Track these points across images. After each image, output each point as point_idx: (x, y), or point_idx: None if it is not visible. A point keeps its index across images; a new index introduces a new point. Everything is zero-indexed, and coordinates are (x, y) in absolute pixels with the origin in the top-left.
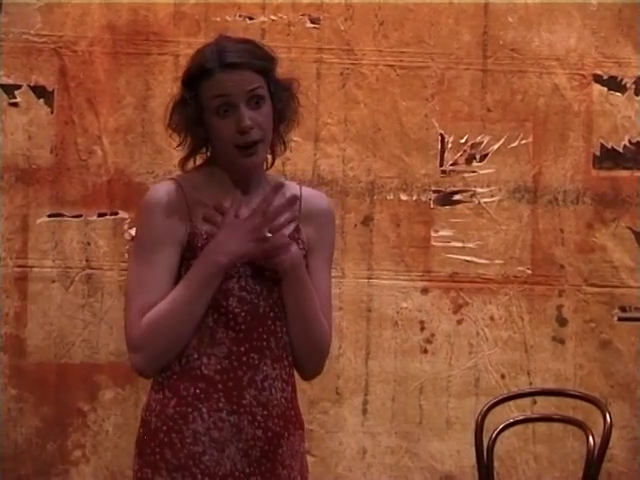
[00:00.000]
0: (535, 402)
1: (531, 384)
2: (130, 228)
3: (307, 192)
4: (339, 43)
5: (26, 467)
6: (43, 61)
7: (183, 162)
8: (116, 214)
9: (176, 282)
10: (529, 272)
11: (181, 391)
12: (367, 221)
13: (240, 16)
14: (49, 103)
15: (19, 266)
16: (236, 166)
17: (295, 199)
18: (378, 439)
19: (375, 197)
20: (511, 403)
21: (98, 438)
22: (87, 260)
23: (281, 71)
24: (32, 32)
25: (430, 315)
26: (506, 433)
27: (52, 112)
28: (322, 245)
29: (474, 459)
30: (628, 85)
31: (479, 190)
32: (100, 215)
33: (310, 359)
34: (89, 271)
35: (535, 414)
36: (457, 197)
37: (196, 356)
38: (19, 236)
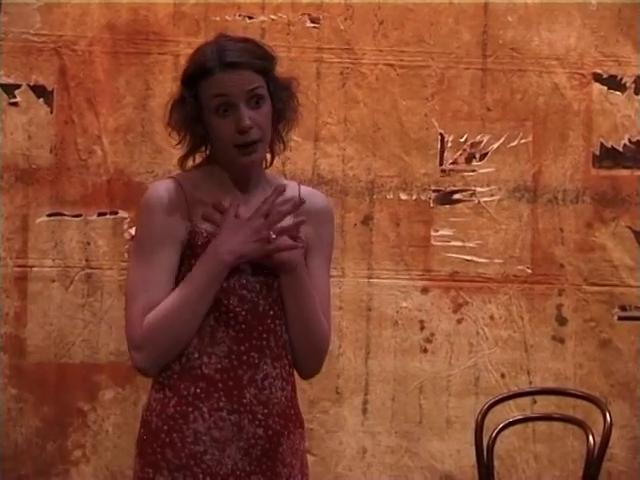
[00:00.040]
0: (535, 401)
1: (531, 383)
2: (130, 228)
3: (305, 191)
4: (339, 42)
5: (26, 467)
6: (43, 61)
7: (182, 160)
8: (116, 214)
9: (176, 281)
10: (529, 271)
11: (181, 390)
12: (367, 220)
13: (240, 16)
14: (49, 103)
15: (19, 266)
16: (235, 165)
17: (301, 202)
18: (378, 438)
19: (375, 196)
20: (511, 402)
21: (98, 438)
22: (87, 260)
23: (281, 71)
24: (32, 32)
25: (430, 314)
26: (506, 432)
27: (52, 112)
28: (321, 244)
29: (474, 458)
30: (628, 84)
31: (479, 189)
32: (100, 215)
33: (309, 358)
34: (89, 271)
35: (535, 413)
36: (457, 196)
37: (196, 355)
38: (19, 236)
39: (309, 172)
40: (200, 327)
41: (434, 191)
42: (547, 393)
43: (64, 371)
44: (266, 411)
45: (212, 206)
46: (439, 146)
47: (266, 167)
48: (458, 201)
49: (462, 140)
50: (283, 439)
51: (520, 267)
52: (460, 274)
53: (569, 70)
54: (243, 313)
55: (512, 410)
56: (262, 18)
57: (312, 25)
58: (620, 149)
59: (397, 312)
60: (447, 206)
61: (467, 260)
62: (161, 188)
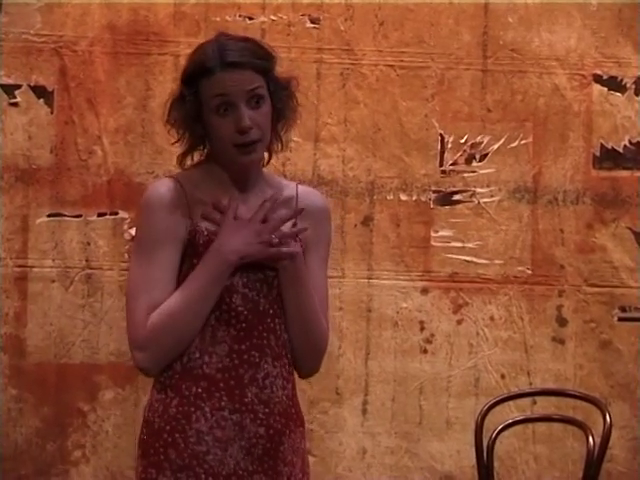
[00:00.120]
0: (535, 402)
1: (531, 384)
2: (130, 228)
3: (303, 190)
4: (339, 43)
5: (26, 467)
6: (43, 61)
7: (181, 158)
8: (116, 214)
9: (177, 280)
10: (529, 272)
11: (183, 391)
12: (367, 221)
13: (240, 16)
14: (49, 103)
15: (19, 266)
16: (234, 164)
17: (300, 210)
18: (378, 439)
19: (375, 197)
20: (511, 403)
21: (98, 438)
22: (87, 260)
23: (281, 71)
24: (32, 32)
25: (430, 315)
26: (506, 433)
27: (52, 112)
28: (319, 243)
29: (474, 459)
30: (628, 85)
31: (479, 190)
32: (100, 215)
33: (308, 357)
34: (89, 271)
35: (535, 414)
36: (457, 197)
37: (198, 355)
38: (19, 236)
39: (309, 173)
40: (202, 326)
41: (434, 192)
42: (547, 394)
43: (64, 371)
44: (267, 410)
45: (212, 205)
46: (439, 147)
47: (263, 165)
48: (458, 202)
49: (462, 141)
50: (284, 438)
51: (520, 268)
52: (460, 275)
53: (569, 71)
54: (245, 312)
55: (512, 411)
56: (262, 18)
57: (312, 26)
58: (620, 150)
59: (397, 313)
60: (447, 207)
61: (467, 261)
62: (162, 187)
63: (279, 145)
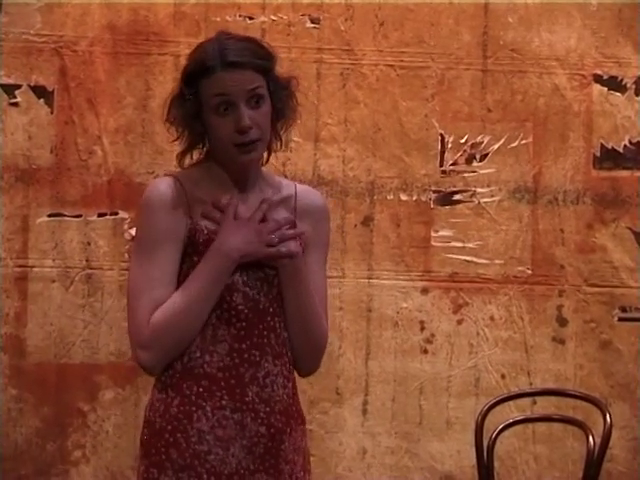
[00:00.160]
0: (535, 402)
1: (531, 384)
2: (130, 228)
3: (302, 189)
4: (339, 43)
5: (26, 467)
6: (43, 61)
7: (181, 156)
8: (116, 214)
9: (178, 279)
10: (529, 272)
11: (184, 390)
12: (367, 221)
13: (240, 16)
14: (49, 103)
15: (19, 266)
16: (234, 163)
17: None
18: (378, 439)
19: (375, 197)
20: (511, 403)
21: (98, 438)
22: (87, 260)
23: (281, 71)
24: (32, 32)
25: (430, 315)
26: (506, 433)
27: (52, 112)
28: (318, 241)
29: (474, 459)
30: (628, 85)
31: (479, 190)
32: (100, 215)
33: (308, 355)
34: (89, 271)
35: (535, 414)
36: (457, 197)
37: (198, 354)
38: (19, 236)
39: (309, 173)
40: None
41: (434, 192)
42: (547, 394)
43: (64, 371)
44: (268, 409)
45: (211, 204)
46: (439, 147)
47: (262, 165)
48: (458, 202)
49: (462, 141)
50: (285, 436)
51: (520, 268)
52: (460, 275)
53: (569, 71)
54: (245, 311)
55: (512, 411)
56: (262, 19)
57: (312, 26)
58: (620, 150)
59: (397, 313)
60: (447, 207)
61: (467, 261)
62: (162, 185)
63: (278, 144)
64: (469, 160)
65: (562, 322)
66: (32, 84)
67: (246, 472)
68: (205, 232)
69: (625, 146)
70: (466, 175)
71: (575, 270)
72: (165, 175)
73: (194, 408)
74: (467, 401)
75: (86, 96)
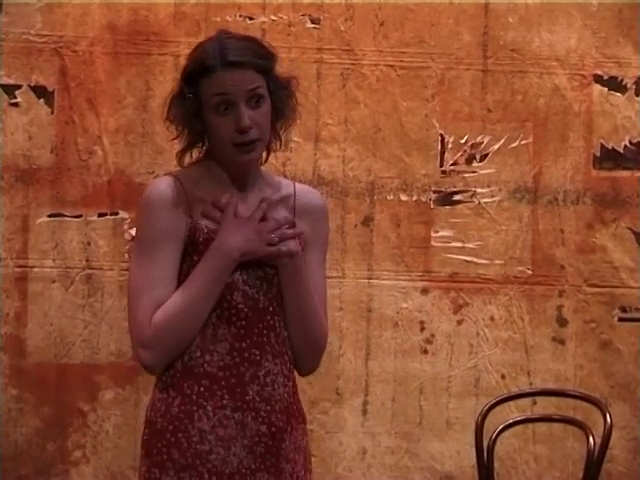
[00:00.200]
0: (535, 402)
1: (531, 384)
2: (130, 228)
3: (301, 188)
4: (339, 43)
5: (26, 467)
6: (43, 61)
7: (180, 155)
8: (116, 214)
9: (178, 278)
10: (529, 272)
11: (185, 390)
12: (367, 221)
13: (240, 16)
14: (49, 103)
15: (19, 266)
16: (233, 163)
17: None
18: (378, 439)
19: (375, 197)
20: (511, 403)
21: (98, 438)
22: (87, 260)
23: (281, 70)
24: (32, 32)
25: (430, 315)
26: (506, 433)
27: (52, 112)
28: (317, 240)
29: (474, 459)
30: (628, 85)
31: (479, 190)
32: (100, 215)
33: (308, 354)
34: (89, 271)
35: (535, 414)
36: (457, 197)
37: (199, 354)
38: (19, 236)
39: (309, 173)
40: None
41: (434, 192)
42: (547, 394)
43: (64, 371)
44: (269, 408)
45: (211, 204)
46: (439, 147)
47: (261, 163)
48: (458, 202)
49: (462, 141)
50: (286, 435)
51: (520, 268)
52: (460, 275)
53: (569, 71)
54: (245, 310)
55: (512, 411)
56: (262, 19)
57: (312, 26)
58: (620, 150)
59: (397, 313)
60: (447, 207)
61: (467, 261)
62: (162, 185)
63: (278, 144)
64: (469, 160)
65: (562, 322)
66: (32, 84)
67: (247, 471)
68: (205, 231)
69: (625, 146)
70: (466, 175)
71: (575, 270)
72: (165, 174)
73: (195, 408)
74: (467, 401)
75: (86, 96)
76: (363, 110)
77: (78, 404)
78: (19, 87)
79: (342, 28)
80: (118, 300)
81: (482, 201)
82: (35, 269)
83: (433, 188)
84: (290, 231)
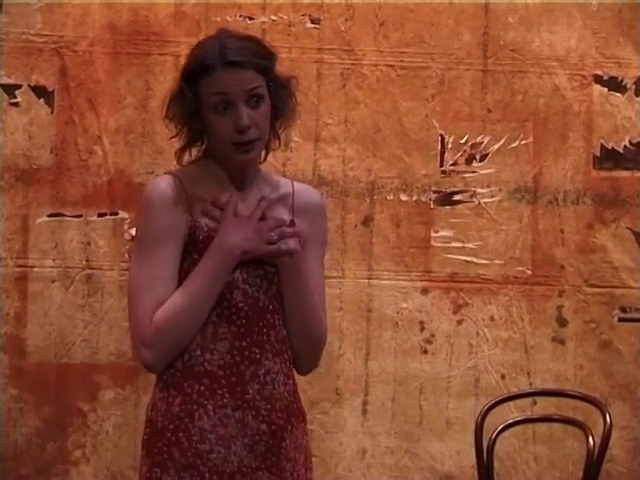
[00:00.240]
0: (535, 402)
1: (531, 384)
2: (130, 228)
3: (299, 187)
4: (339, 43)
5: (26, 467)
6: (43, 61)
7: (179, 153)
8: (116, 214)
9: (178, 277)
10: (529, 272)
11: (185, 389)
12: (367, 221)
13: (240, 16)
14: (49, 103)
15: (19, 266)
16: (232, 162)
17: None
18: (378, 439)
19: (375, 197)
20: (511, 403)
21: (98, 438)
22: (87, 260)
23: (281, 70)
24: (32, 32)
25: (430, 315)
26: (506, 433)
27: (52, 112)
28: (315, 239)
29: (474, 459)
30: (628, 86)
31: (479, 190)
32: (100, 215)
33: (308, 353)
34: (89, 271)
35: (535, 414)
36: (457, 197)
37: (199, 352)
38: (19, 236)
39: (309, 173)
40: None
41: (434, 192)
42: (547, 394)
43: (64, 371)
44: (269, 406)
45: (211, 203)
46: (439, 147)
47: (260, 163)
48: (458, 202)
49: (462, 141)
50: (286, 434)
51: (520, 268)
52: (460, 275)
53: (570, 71)
54: (245, 308)
55: (512, 411)
56: (263, 19)
57: (313, 26)
58: (620, 150)
59: (397, 313)
60: (447, 207)
61: (467, 261)
62: (162, 183)
63: (277, 143)
64: (469, 160)
65: (562, 322)
66: (32, 84)
67: (248, 470)
68: (205, 229)
69: (625, 146)
70: (466, 175)
71: (575, 270)
72: (165, 173)
73: (196, 407)
74: (467, 401)
75: (86, 96)
76: (363, 110)
77: (78, 404)
78: (19, 87)
79: (342, 28)
80: (118, 300)
81: (482, 201)
82: (35, 269)
83: (433, 188)
84: (289, 229)
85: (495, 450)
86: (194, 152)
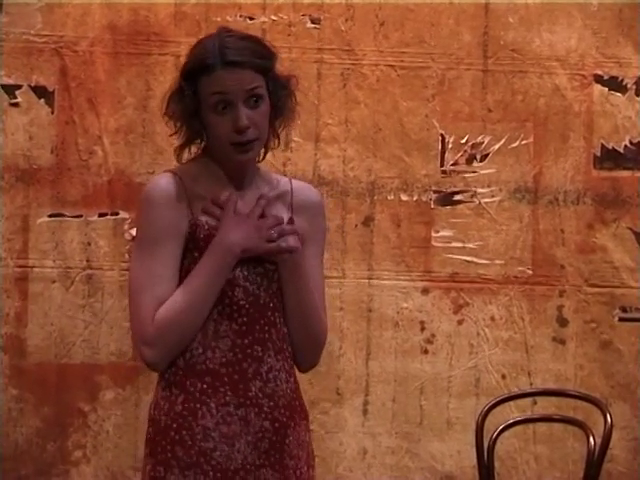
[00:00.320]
0: (535, 402)
1: (531, 384)
2: (130, 228)
3: (297, 185)
4: (340, 43)
5: (26, 467)
6: (44, 61)
7: (179, 151)
8: (117, 214)
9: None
10: (530, 272)
11: (188, 387)
12: (368, 221)
13: (241, 16)
14: (50, 103)
15: (20, 266)
16: (231, 161)
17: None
18: (378, 439)
19: (376, 197)
20: (511, 403)
21: (99, 438)
22: (87, 260)
23: (281, 69)
24: (33, 32)
25: (430, 315)
26: (506, 433)
27: (53, 112)
28: (314, 237)
29: (474, 459)
30: (629, 85)
31: (480, 190)
32: (101, 215)
33: (308, 350)
34: (89, 271)
35: (535, 414)
36: (458, 197)
37: (201, 350)
38: (19, 236)
39: (310, 173)
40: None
41: (435, 192)
42: (548, 394)
43: (64, 371)
44: (272, 404)
45: (211, 201)
46: (440, 147)
47: (258, 161)
48: (459, 202)
49: (463, 141)
50: (289, 431)
51: (521, 268)
52: (461, 275)
53: (570, 71)
54: (246, 306)
55: (513, 411)
56: (263, 19)
57: (313, 26)
58: (621, 150)
59: (398, 313)
60: (448, 207)
61: (468, 261)
62: (162, 182)
63: (276, 142)
64: (469, 160)
65: (562, 322)
66: (33, 84)
67: (252, 467)
68: (206, 227)
69: (625, 146)
70: (466, 175)
71: (575, 270)
72: (164, 171)
73: (198, 405)
74: (467, 401)
75: (87, 96)
76: (363, 110)
77: (78, 404)
78: (19, 87)
79: (342, 28)
80: (118, 300)
81: (482, 201)
82: (35, 269)
83: (433, 188)
84: (289, 227)
85: (496, 450)
86: (193, 149)
